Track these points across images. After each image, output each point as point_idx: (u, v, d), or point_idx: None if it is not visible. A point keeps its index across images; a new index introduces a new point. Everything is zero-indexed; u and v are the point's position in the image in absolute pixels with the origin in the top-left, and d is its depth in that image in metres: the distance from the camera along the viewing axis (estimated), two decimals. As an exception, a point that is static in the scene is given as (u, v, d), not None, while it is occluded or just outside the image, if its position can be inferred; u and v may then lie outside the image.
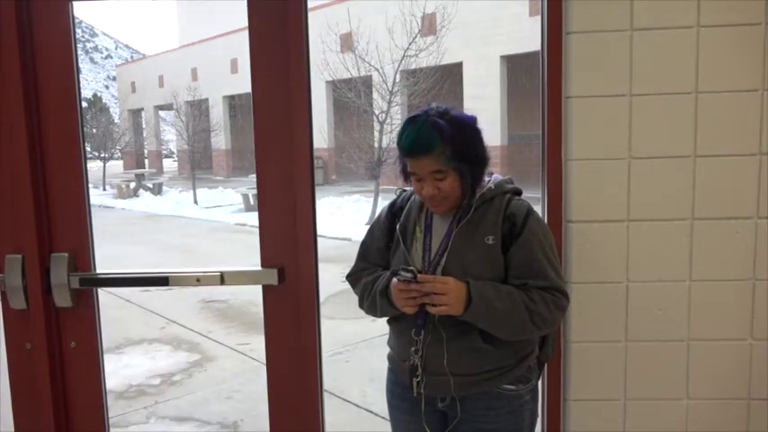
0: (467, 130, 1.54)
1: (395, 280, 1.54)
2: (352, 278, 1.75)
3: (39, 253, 1.83)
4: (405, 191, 1.73)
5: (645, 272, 1.84)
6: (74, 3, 1.82)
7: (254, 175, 1.84)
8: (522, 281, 1.54)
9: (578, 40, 1.76)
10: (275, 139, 1.81)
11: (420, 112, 1.55)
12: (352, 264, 1.76)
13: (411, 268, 1.51)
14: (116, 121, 27.93)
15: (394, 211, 1.71)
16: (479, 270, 1.54)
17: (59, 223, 1.87)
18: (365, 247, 1.74)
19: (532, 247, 1.54)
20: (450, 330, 1.56)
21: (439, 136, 1.48)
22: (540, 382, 1.74)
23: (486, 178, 1.62)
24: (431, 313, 1.53)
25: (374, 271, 1.69)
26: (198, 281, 1.90)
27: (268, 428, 1.94)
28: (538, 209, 1.74)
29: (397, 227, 1.65)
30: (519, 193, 1.63)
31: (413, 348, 1.58)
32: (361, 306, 1.70)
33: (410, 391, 1.61)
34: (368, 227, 1.76)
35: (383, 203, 1.75)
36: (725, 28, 1.74)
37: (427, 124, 1.50)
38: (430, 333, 1.57)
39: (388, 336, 1.73)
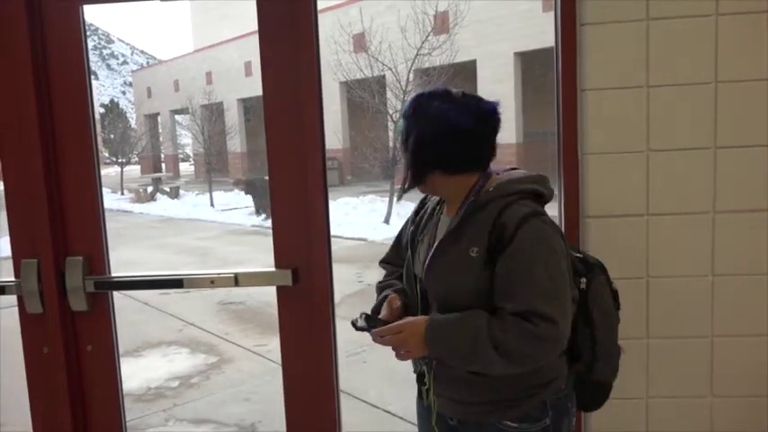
0: None
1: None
2: (382, 265, 1.71)
3: (54, 257, 1.83)
4: None
5: (666, 267, 1.80)
6: (85, 6, 1.82)
7: (269, 177, 1.83)
8: (500, 304, 1.34)
9: (593, 32, 1.73)
10: (287, 140, 1.80)
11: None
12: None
13: (366, 315, 1.45)
14: (133, 126, 28.17)
15: (420, 206, 1.63)
16: (459, 282, 1.39)
17: (74, 227, 1.87)
18: (399, 235, 1.69)
19: (516, 263, 1.32)
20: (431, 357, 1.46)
21: None
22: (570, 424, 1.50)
23: (500, 176, 1.46)
24: None
25: (393, 272, 1.65)
26: (212, 282, 1.90)
27: (285, 430, 1.92)
28: (554, 205, 1.61)
29: (409, 231, 1.59)
30: (533, 195, 1.41)
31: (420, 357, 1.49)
32: None
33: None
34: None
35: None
36: (745, 15, 1.69)
37: None
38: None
39: None
